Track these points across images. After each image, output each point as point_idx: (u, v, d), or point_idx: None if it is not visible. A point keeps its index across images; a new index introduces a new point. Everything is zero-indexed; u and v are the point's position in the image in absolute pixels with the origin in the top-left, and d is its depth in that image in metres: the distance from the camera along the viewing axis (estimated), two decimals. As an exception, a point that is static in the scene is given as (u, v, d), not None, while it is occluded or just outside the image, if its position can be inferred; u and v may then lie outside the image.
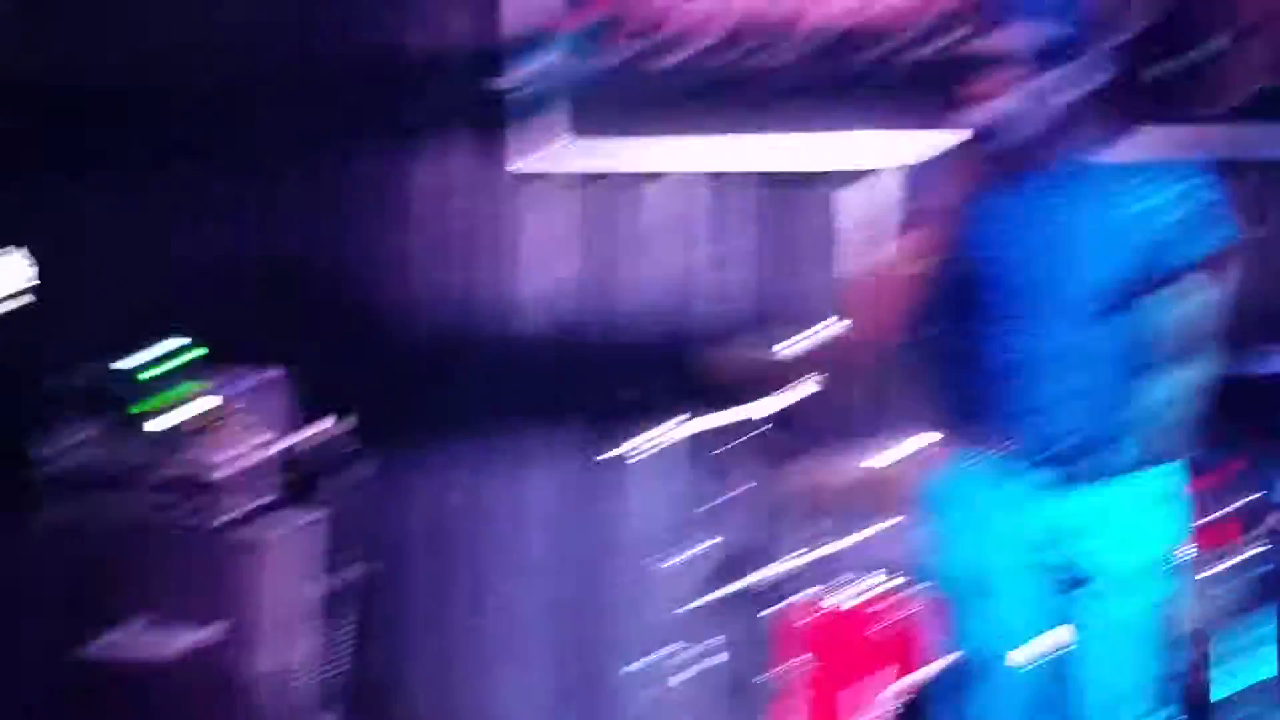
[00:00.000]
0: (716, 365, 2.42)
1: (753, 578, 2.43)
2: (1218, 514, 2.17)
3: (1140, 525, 1.72)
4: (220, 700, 2.48)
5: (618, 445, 2.52)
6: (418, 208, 3.00)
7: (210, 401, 2.55)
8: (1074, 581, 1.71)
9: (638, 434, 2.47)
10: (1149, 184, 1.68)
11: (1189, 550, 1.81)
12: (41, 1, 2.98)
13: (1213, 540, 2.13)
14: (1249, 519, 2.26)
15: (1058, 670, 1.74)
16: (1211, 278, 1.63)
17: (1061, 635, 1.72)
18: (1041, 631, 1.71)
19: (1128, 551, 1.70)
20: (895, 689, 2.24)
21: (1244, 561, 2.20)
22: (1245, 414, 2.16)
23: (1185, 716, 1.98)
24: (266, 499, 2.57)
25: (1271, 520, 2.26)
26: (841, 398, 2.56)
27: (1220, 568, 2.17)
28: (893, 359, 1.80)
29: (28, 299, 2.63)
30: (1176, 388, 1.66)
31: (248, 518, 2.53)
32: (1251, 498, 2.23)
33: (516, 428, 2.91)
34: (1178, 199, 1.65)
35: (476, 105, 2.94)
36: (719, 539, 2.52)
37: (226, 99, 2.92)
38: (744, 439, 2.45)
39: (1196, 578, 2.05)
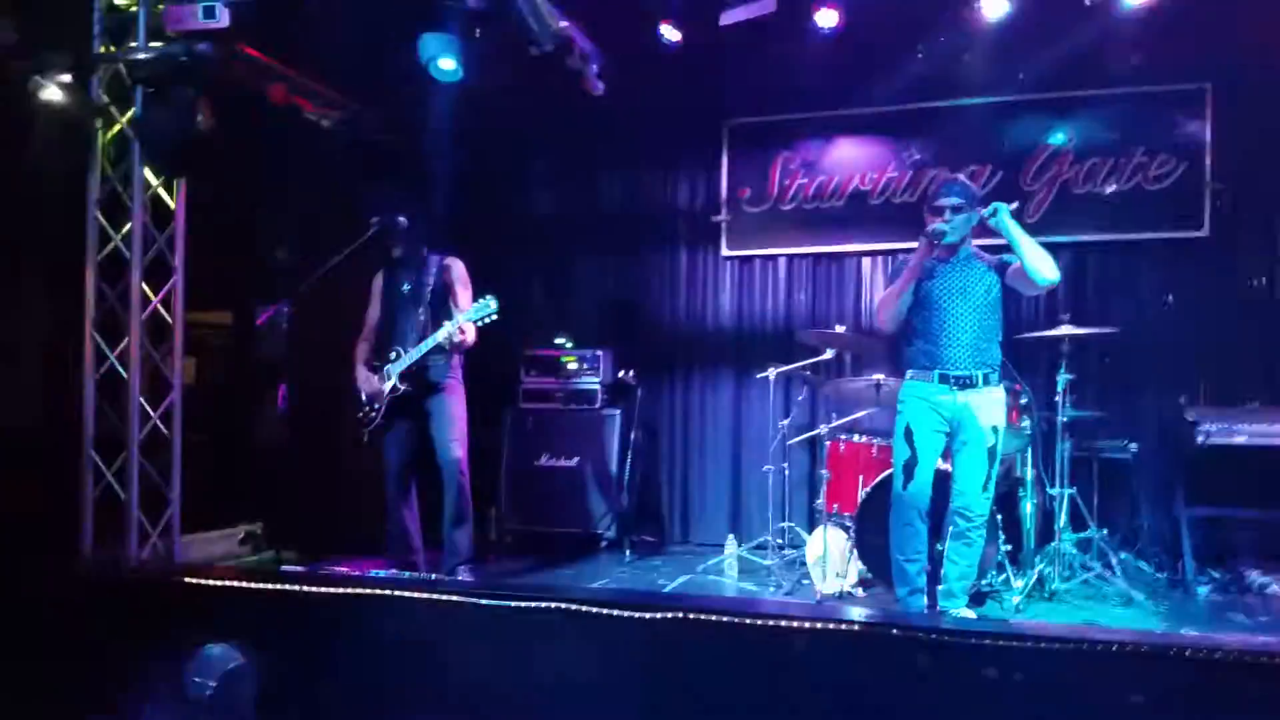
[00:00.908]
0: (803, 338, 5.31)
1: (815, 430, 5.29)
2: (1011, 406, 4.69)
3: (987, 410, 3.89)
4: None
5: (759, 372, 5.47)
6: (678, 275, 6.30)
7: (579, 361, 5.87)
8: (958, 434, 3.89)
9: (769, 367, 5.41)
10: (997, 258, 3.86)
11: (1005, 422, 3.98)
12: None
13: (1011, 417, 4.66)
14: (1034, 409, 4.76)
15: (945, 474, 3.96)
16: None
17: (946, 458, 3.92)
18: (939, 454, 3.88)
19: (982, 422, 3.85)
20: (871, 482, 4.81)
21: (1029, 429, 4.75)
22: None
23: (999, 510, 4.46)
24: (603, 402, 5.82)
25: (1046, 410, 4.80)
26: (858, 353, 5.43)
27: (1021, 430, 4.73)
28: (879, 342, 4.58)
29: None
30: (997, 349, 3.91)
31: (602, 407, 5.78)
32: (1026, 400, 4.71)
33: (713, 365, 6.08)
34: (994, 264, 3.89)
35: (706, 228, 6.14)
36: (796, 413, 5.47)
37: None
38: (812, 372, 5.35)
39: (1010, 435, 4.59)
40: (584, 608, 2.09)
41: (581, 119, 5.98)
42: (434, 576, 4.25)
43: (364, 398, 4.43)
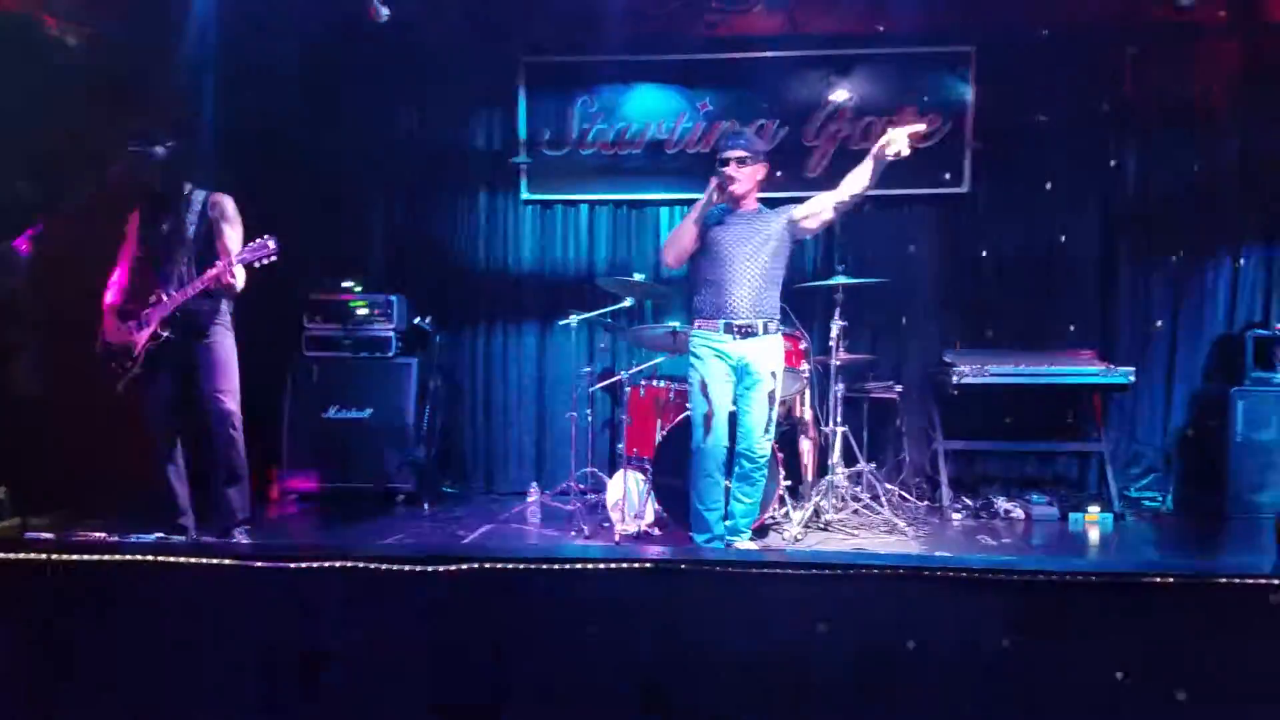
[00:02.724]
0: (604, 285, 5.34)
1: (616, 376, 5.39)
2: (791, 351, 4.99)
3: (768, 357, 4.08)
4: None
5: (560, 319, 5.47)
6: (477, 219, 6.15)
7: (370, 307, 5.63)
8: (741, 379, 4.07)
9: (569, 314, 5.42)
10: (780, 209, 4.05)
11: (784, 367, 4.18)
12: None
13: (790, 361, 4.95)
14: (810, 354, 5.10)
15: (732, 417, 4.11)
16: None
17: (732, 403, 4.06)
18: (728, 400, 4.04)
19: (763, 368, 4.03)
20: (669, 426, 5.09)
21: (806, 372, 5.07)
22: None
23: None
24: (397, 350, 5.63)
25: (822, 355, 5.14)
26: (657, 301, 5.55)
27: (799, 374, 5.03)
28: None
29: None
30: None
31: (397, 355, 5.59)
32: (805, 346, 5.03)
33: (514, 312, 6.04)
34: (779, 214, 4.11)
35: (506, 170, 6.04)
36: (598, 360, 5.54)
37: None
38: (612, 319, 5.42)
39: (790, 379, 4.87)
40: (368, 565, 2.03)
41: (373, 49, 5.67)
42: (204, 540, 4.00)
43: (113, 349, 4.05)
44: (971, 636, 2.01)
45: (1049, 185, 5.84)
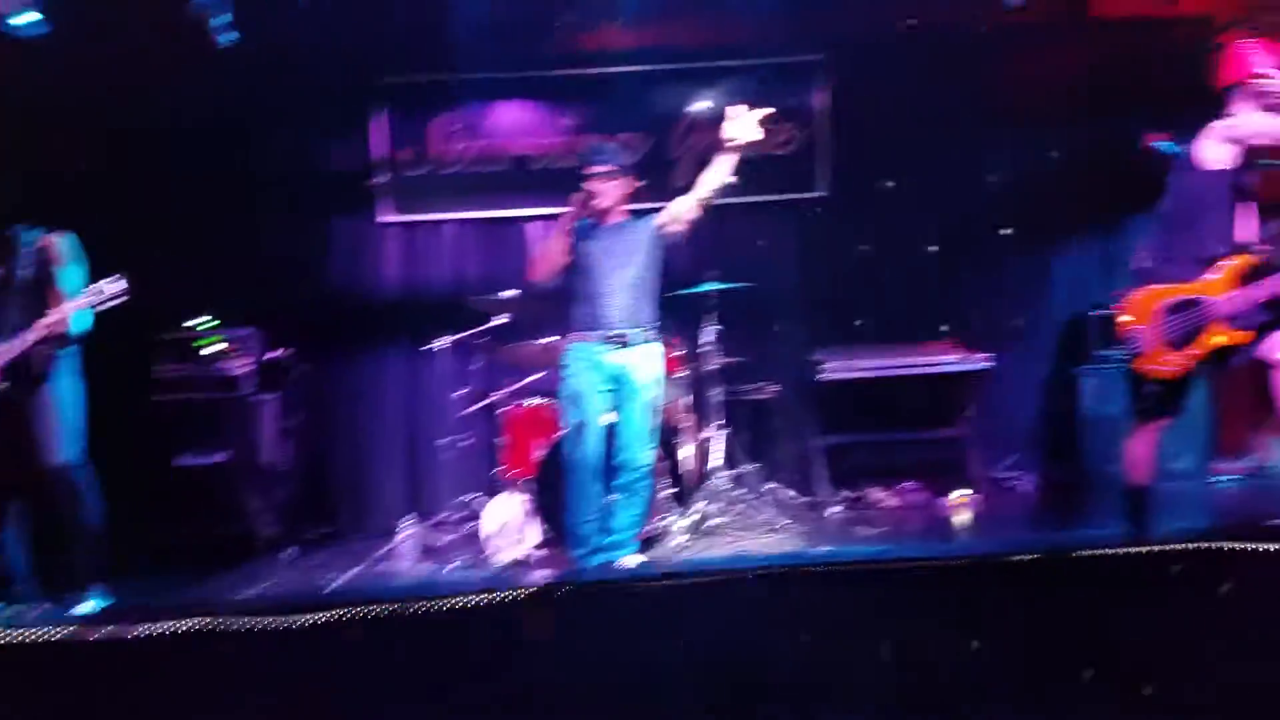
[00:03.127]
0: (474, 307, 5.22)
1: (492, 398, 5.27)
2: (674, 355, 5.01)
3: (646, 366, 4.04)
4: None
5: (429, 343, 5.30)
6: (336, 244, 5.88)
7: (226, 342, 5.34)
8: (620, 390, 4.00)
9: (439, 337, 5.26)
10: (645, 218, 4.03)
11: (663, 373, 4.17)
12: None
13: (671, 367, 4.97)
14: (687, 360, 5.13)
15: (610, 429, 4.05)
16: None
17: (611, 414, 4.00)
18: (605, 412, 3.99)
19: (642, 377, 3.99)
20: (548, 443, 4.95)
21: (683, 378, 5.10)
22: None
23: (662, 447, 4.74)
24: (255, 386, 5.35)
25: (697, 360, 5.18)
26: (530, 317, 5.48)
27: (677, 381, 5.05)
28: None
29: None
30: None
31: (254, 393, 5.31)
32: (681, 352, 5.06)
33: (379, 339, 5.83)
34: (645, 223, 4.08)
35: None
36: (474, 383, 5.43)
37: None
38: (484, 339, 5.30)
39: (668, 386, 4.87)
40: (228, 622, 1.90)
41: (218, 72, 5.40)
42: (45, 608, 3.69)
43: None
44: (852, 628, 2.03)
45: (903, 184, 6.08)
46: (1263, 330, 3.28)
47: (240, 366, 5.34)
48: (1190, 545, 2.01)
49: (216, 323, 5.42)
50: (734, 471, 5.29)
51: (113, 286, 3.66)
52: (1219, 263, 3.31)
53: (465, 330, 5.23)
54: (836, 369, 5.36)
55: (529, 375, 5.35)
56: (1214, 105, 3.41)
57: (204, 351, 5.32)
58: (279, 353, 5.43)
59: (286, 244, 5.93)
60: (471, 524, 5.26)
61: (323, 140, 5.95)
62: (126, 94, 5.48)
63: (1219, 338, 3.30)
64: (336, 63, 5.70)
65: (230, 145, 5.84)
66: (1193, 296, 3.33)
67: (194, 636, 1.86)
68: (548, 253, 3.99)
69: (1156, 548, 2.06)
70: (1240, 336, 3.29)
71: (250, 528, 5.21)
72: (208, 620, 1.87)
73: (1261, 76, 3.26)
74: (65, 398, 3.80)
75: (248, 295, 5.75)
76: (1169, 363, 3.37)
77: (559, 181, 5.73)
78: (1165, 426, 3.55)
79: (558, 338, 4.71)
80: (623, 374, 4.01)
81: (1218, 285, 3.31)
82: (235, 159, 5.85)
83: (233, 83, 5.54)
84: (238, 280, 5.79)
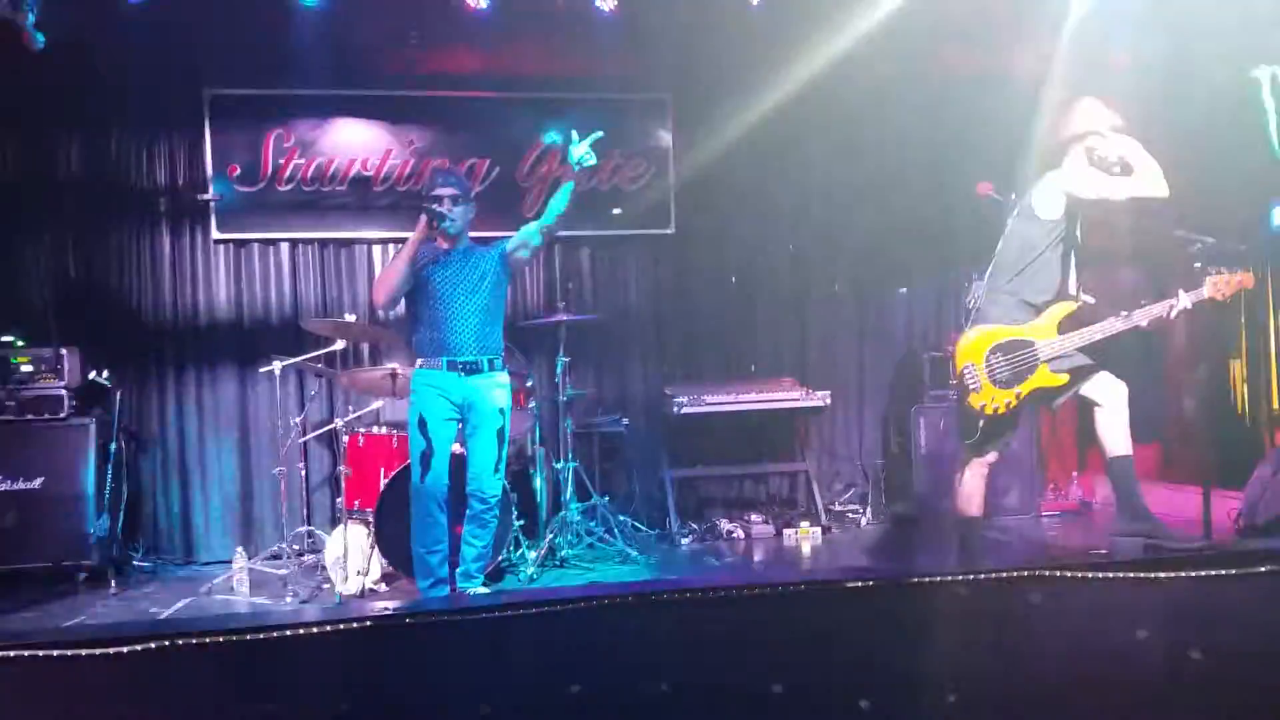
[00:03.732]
0: (312, 328, 5.02)
1: (331, 425, 5.06)
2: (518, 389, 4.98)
3: (494, 394, 3.97)
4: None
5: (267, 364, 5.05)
6: (161, 260, 5.57)
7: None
8: (468, 419, 3.95)
9: (273, 360, 5.03)
10: (493, 245, 4.00)
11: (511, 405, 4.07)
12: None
13: (518, 400, 4.92)
14: (537, 391, 5.12)
15: (459, 459, 4.00)
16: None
17: (457, 445, 4.00)
18: (452, 440, 3.92)
19: (490, 406, 3.94)
20: (390, 474, 4.79)
21: (533, 410, 5.07)
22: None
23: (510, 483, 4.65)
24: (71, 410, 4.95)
25: (548, 391, 5.16)
26: (370, 342, 5.32)
27: (527, 412, 5.01)
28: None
29: None
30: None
31: (71, 415, 4.90)
32: (530, 383, 5.03)
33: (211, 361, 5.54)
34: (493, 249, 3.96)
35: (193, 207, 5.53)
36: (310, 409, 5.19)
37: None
38: (327, 366, 5.10)
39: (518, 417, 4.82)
40: (35, 653, 1.73)
41: (30, 74, 5.01)
42: None
43: None
44: (697, 655, 2.04)
45: (745, 224, 6.27)
46: (1077, 374, 3.54)
47: (54, 387, 4.92)
48: (1017, 573, 2.13)
49: (23, 342, 4.99)
50: (586, 504, 5.29)
51: None
52: (1046, 308, 3.57)
53: (302, 354, 5.00)
54: (686, 403, 5.45)
55: (373, 403, 5.20)
56: (1050, 158, 3.70)
57: (20, 370, 4.87)
58: (97, 374, 5.01)
59: (109, 258, 5.53)
60: (310, 556, 5.04)
61: (151, 152, 5.58)
62: None
63: (1040, 379, 3.54)
64: (167, 71, 5.41)
65: (50, 153, 5.44)
66: (1020, 339, 3.57)
67: (12, 664, 1.68)
68: (391, 277, 3.89)
69: (983, 575, 2.17)
70: (1057, 379, 3.54)
71: (68, 557, 4.77)
72: (25, 649, 1.69)
73: (1094, 134, 3.56)
74: None
75: (65, 312, 5.33)
76: (995, 400, 3.57)
77: (402, 204, 5.67)
78: (994, 462, 3.75)
79: (395, 366, 4.60)
80: (470, 402, 3.95)
81: (1042, 329, 3.56)
82: (54, 168, 5.44)
83: (51, 87, 5.19)
84: (53, 296, 5.36)
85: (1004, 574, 2.15)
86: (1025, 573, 2.13)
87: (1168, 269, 3.79)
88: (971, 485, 3.73)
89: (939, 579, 2.16)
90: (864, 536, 5.69)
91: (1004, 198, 3.80)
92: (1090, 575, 2.12)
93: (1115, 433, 3.52)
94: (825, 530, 5.57)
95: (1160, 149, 3.53)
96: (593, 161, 3.95)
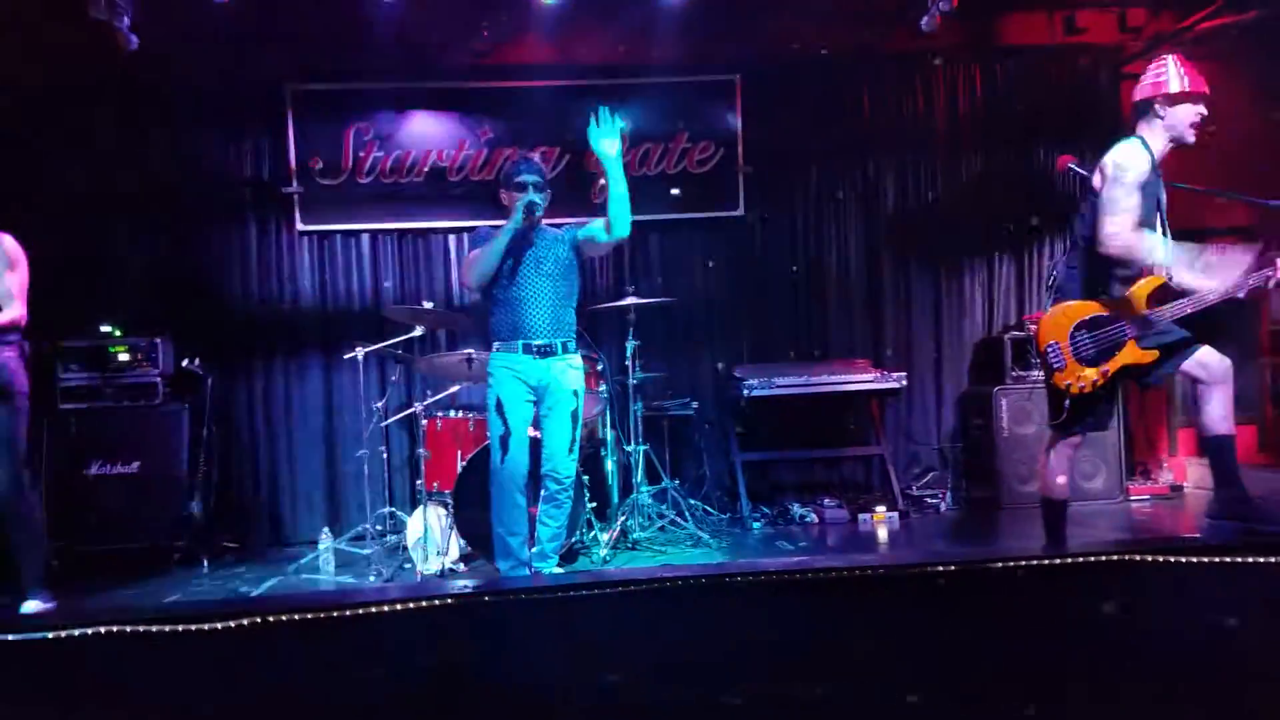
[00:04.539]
0: (392, 315, 5.14)
1: (410, 409, 5.19)
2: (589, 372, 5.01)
3: (568, 376, 4.01)
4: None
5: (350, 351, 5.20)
6: (249, 252, 5.79)
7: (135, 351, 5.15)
8: (543, 400, 3.98)
9: (356, 347, 5.18)
10: (564, 229, 4.04)
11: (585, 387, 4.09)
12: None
13: (589, 383, 4.94)
14: (608, 374, 5.15)
15: (534, 441, 4.04)
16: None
17: (534, 427, 3.98)
18: (529, 423, 3.96)
19: (564, 388, 3.98)
20: (468, 456, 4.91)
21: (605, 393, 5.10)
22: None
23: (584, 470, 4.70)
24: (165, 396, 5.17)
25: (619, 375, 5.20)
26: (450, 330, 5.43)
27: (599, 395, 5.05)
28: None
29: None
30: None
31: (165, 402, 5.13)
32: (601, 366, 5.07)
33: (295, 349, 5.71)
34: (567, 234, 4.00)
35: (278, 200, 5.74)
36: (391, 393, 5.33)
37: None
38: (406, 352, 5.23)
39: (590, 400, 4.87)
40: (137, 628, 1.82)
41: (123, 77, 5.24)
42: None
43: None
44: (777, 637, 2.05)
45: (815, 205, 6.21)
46: (1168, 350, 3.39)
47: (150, 375, 5.15)
48: (1105, 557, 2.07)
49: (121, 331, 5.22)
50: (657, 487, 5.32)
51: None
52: (1132, 282, 3.43)
53: (384, 341, 5.13)
54: (756, 385, 5.42)
55: (449, 387, 5.30)
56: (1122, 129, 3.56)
57: (118, 359, 5.12)
58: (189, 361, 5.21)
59: (199, 251, 5.76)
60: (391, 537, 5.18)
61: (237, 148, 5.79)
62: (34, 97, 5.35)
63: (1129, 356, 3.41)
64: (251, 68, 5.59)
65: (142, 152, 5.67)
66: (1105, 314, 3.43)
67: (111, 639, 1.78)
68: (485, 260, 3.94)
69: (1070, 560, 2.12)
70: (1146, 356, 3.39)
71: (164, 538, 5.02)
72: (124, 624, 1.79)
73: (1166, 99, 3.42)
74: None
75: (159, 303, 5.58)
76: (1082, 379, 3.44)
77: (477, 193, 5.76)
78: (1080, 444, 3.64)
79: (471, 351, 4.69)
80: (546, 384, 4.00)
81: (1129, 304, 3.41)
82: (147, 166, 5.67)
83: (142, 87, 5.40)
84: (148, 289, 5.62)
85: (1089, 558, 2.10)
86: (1112, 557, 2.08)
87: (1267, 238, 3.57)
88: (1057, 468, 3.61)
89: (1022, 563, 2.12)
90: (943, 521, 5.60)
91: (1087, 170, 3.66)
92: (1181, 560, 2.05)
93: (1217, 410, 3.32)
94: (902, 515, 5.50)
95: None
96: (614, 153, 3.93)
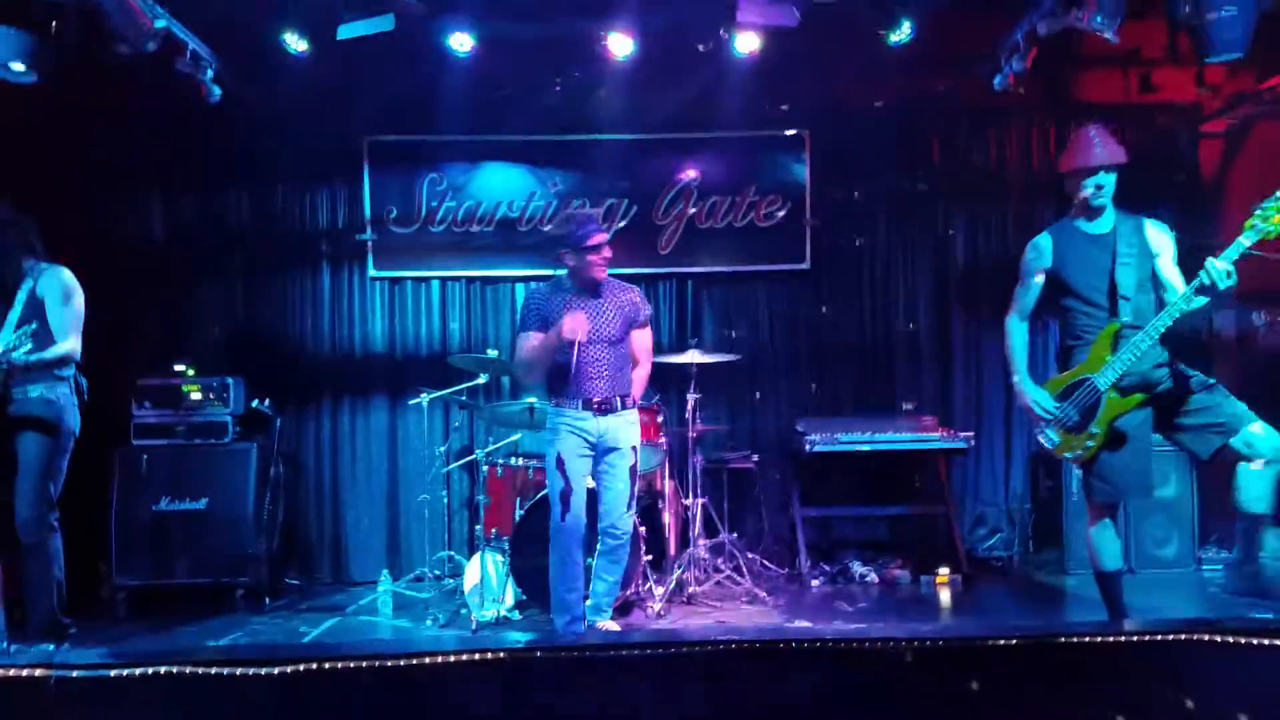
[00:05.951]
0: (457, 364, 5.23)
1: (472, 455, 5.25)
2: (648, 425, 5.03)
3: (627, 431, 4.04)
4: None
5: (415, 396, 5.29)
6: (321, 297, 5.97)
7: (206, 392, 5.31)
8: (602, 456, 3.99)
9: (421, 392, 5.26)
10: (630, 299, 4.04)
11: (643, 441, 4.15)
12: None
13: (649, 434, 4.96)
14: (667, 427, 5.13)
15: (592, 495, 4.07)
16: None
17: (590, 480, 4.02)
18: (586, 476, 3.98)
19: (623, 443, 4.00)
20: (525, 504, 4.91)
21: (664, 445, 5.08)
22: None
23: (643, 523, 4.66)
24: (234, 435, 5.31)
25: (679, 428, 5.17)
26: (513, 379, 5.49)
27: (657, 447, 5.04)
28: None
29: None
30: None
31: (229, 442, 5.27)
32: (661, 419, 5.06)
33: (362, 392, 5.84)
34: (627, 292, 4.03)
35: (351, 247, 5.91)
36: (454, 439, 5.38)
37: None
38: (470, 399, 5.30)
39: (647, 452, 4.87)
40: (196, 669, 1.85)
41: (202, 129, 5.48)
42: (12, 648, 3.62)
43: None
44: (829, 708, 2.00)
45: (883, 259, 6.16)
46: (1152, 386, 3.36)
47: (221, 414, 5.29)
48: (1164, 636, 1.98)
49: (194, 370, 5.39)
50: (714, 540, 5.26)
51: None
52: (1089, 345, 3.43)
53: (448, 387, 5.21)
54: (819, 440, 5.35)
55: (510, 435, 5.35)
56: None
57: (190, 397, 5.28)
58: (259, 402, 5.35)
59: (272, 295, 5.95)
60: (449, 580, 5.21)
61: (313, 197, 5.99)
62: (114, 144, 5.60)
63: (1114, 407, 3.37)
64: (328, 120, 5.79)
65: (221, 202, 5.91)
66: (1076, 378, 3.44)
67: (166, 679, 1.81)
68: (539, 361, 3.98)
69: (1124, 638, 2.03)
70: (1129, 401, 3.36)
71: (229, 575, 5.12)
72: (181, 666, 1.82)
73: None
74: (38, 441, 3.79)
75: (233, 345, 5.78)
76: (1078, 446, 3.45)
77: (545, 244, 5.79)
78: (1114, 511, 3.59)
79: (533, 400, 4.72)
80: (604, 440, 4.00)
81: (1092, 361, 3.41)
82: (225, 215, 5.91)
83: (221, 138, 5.64)
84: (223, 331, 5.82)
85: (1143, 636, 2.01)
86: (1167, 636, 1.98)
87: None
88: (1097, 539, 3.55)
89: (1075, 639, 2.04)
90: (1007, 585, 5.42)
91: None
92: (1243, 641, 1.95)
93: (1256, 489, 3.26)
94: (966, 577, 5.33)
95: None
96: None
